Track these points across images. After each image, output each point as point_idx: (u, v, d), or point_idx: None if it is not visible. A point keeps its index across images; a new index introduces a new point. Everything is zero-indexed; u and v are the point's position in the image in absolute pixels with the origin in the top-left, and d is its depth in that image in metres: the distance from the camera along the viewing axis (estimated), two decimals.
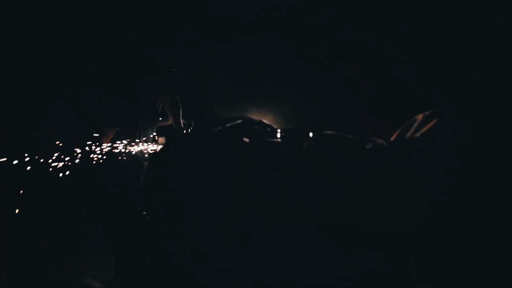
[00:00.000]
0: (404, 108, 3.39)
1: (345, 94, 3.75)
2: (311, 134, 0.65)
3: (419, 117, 0.63)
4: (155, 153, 0.74)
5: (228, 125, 0.64)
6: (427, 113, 0.62)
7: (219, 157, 0.58)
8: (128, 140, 2.30)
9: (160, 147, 2.38)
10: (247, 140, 0.60)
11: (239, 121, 0.67)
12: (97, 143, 2.19)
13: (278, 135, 0.66)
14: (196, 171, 0.59)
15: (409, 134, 0.62)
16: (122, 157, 2.23)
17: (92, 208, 2.78)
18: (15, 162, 1.86)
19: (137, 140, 2.35)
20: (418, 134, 0.59)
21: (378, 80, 3.56)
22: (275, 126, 0.69)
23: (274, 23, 3.96)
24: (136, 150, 2.29)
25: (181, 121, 2.51)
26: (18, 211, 2.42)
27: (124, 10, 2.99)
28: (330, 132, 0.64)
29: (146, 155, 2.36)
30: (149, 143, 2.42)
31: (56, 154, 1.94)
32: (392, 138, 0.66)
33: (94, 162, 2.13)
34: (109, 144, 2.23)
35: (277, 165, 0.56)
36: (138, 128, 2.37)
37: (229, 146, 0.60)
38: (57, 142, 2.00)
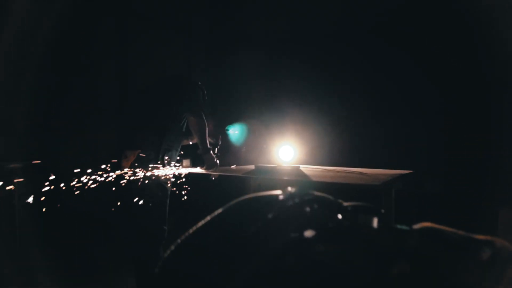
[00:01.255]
0: (404, 108, 3.39)
1: (345, 94, 3.75)
2: (382, 211, 0.53)
3: None
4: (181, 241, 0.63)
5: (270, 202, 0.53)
6: None
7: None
8: (150, 163, 2.14)
9: (184, 171, 2.24)
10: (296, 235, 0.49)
11: (280, 194, 0.55)
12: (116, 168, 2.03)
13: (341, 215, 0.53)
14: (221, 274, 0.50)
15: None
16: (144, 181, 2.07)
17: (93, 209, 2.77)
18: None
19: (160, 163, 2.17)
20: None
21: (378, 80, 3.56)
22: (338, 201, 0.54)
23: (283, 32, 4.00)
24: (159, 174, 2.12)
25: (207, 141, 2.28)
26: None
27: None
28: (428, 224, 0.48)
29: (170, 178, 2.21)
30: (172, 166, 2.23)
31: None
32: None
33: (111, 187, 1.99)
34: (129, 168, 2.08)
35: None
36: (162, 151, 2.18)
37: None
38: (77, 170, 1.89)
